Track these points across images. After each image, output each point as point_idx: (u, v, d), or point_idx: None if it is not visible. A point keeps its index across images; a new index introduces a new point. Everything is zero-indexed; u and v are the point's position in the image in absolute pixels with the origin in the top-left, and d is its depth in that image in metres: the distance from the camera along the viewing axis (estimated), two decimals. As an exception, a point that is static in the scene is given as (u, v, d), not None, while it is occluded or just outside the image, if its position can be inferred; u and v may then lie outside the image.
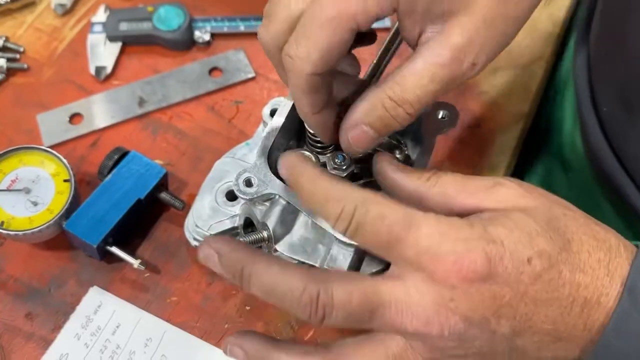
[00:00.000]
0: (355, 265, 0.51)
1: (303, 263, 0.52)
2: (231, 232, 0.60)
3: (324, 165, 0.54)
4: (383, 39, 0.54)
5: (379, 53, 0.54)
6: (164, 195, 0.65)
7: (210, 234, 0.60)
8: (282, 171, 0.47)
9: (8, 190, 0.62)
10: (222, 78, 0.75)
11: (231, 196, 0.60)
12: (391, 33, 0.53)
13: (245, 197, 0.53)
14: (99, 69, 0.74)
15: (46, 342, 0.61)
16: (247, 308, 0.62)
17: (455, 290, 0.41)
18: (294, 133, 0.56)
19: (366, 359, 0.44)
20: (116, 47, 0.75)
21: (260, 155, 0.54)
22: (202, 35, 0.76)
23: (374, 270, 0.50)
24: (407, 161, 0.55)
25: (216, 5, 0.79)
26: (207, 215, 0.60)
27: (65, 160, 0.63)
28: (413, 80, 0.43)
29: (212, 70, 0.75)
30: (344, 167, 0.53)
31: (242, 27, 0.77)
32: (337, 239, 0.50)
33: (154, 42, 0.76)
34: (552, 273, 0.41)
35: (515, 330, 0.42)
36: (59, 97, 0.73)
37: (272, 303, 0.43)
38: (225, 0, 0.80)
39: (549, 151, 0.79)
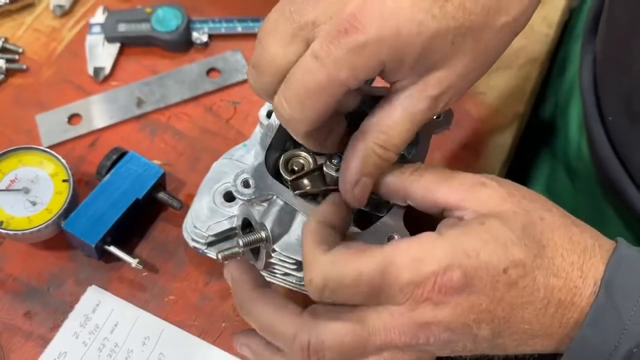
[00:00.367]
0: None
1: (300, 262, 0.53)
2: (229, 233, 0.60)
3: (321, 167, 0.54)
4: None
5: None
6: (161, 195, 0.66)
7: (209, 236, 0.60)
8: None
9: (7, 190, 0.63)
10: (220, 79, 0.76)
11: (229, 197, 0.61)
12: None
13: (243, 198, 0.53)
14: (97, 70, 0.75)
15: (45, 341, 0.61)
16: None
17: (437, 307, 0.43)
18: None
19: None
20: (114, 48, 0.76)
21: (258, 156, 0.55)
22: (199, 36, 0.77)
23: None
24: (402, 161, 0.56)
25: (214, 7, 0.80)
26: (205, 216, 0.60)
27: (64, 161, 0.64)
28: (397, 128, 0.45)
29: (210, 71, 0.76)
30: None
31: (239, 29, 0.78)
32: None
33: (152, 43, 0.76)
34: (527, 280, 0.44)
35: (494, 332, 0.45)
36: (57, 97, 0.73)
37: None
38: (223, 2, 0.80)
39: (554, 157, 0.79)
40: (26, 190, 0.63)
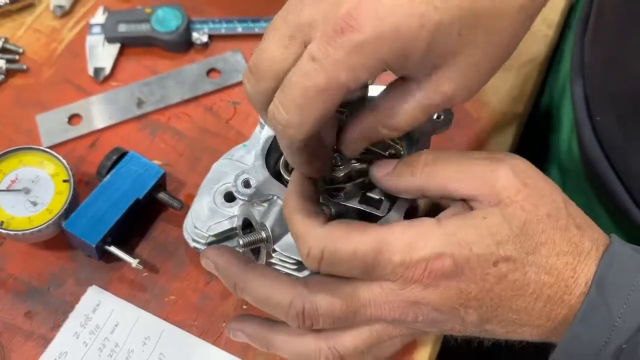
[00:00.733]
0: None
1: (300, 262, 0.53)
2: (230, 233, 0.60)
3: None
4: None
5: None
6: (162, 196, 0.66)
7: (209, 236, 0.60)
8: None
9: (8, 190, 0.63)
10: (220, 79, 0.76)
11: (229, 197, 0.61)
12: None
13: (243, 198, 0.53)
14: (97, 70, 0.75)
15: (45, 341, 0.61)
16: (245, 307, 0.63)
17: (426, 289, 0.45)
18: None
19: (354, 336, 0.49)
20: (115, 48, 0.76)
21: (258, 156, 0.55)
22: (199, 36, 0.77)
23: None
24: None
25: (214, 7, 0.80)
26: (205, 217, 0.60)
27: (64, 161, 0.64)
28: (407, 116, 0.45)
29: (210, 71, 0.76)
30: (341, 167, 0.53)
31: (239, 29, 0.78)
32: None
33: (152, 43, 0.77)
34: (517, 274, 0.45)
35: (482, 318, 0.46)
36: (58, 97, 0.73)
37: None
38: (223, 2, 0.80)
39: (547, 154, 0.80)
40: (27, 191, 0.63)
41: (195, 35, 0.77)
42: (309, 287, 0.48)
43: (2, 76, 0.74)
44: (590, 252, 0.46)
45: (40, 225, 0.61)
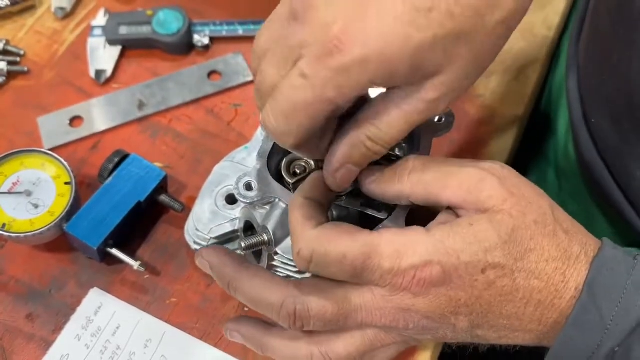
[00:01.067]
0: None
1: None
2: (231, 235, 0.60)
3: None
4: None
5: None
6: (163, 198, 0.66)
7: (211, 239, 0.60)
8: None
9: (9, 192, 0.63)
10: (221, 81, 0.76)
11: (231, 200, 0.61)
12: None
13: (245, 200, 0.53)
14: (99, 72, 0.75)
15: (47, 343, 0.61)
16: (246, 309, 0.63)
17: (416, 297, 0.46)
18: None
19: (346, 342, 0.49)
20: (116, 50, 0.76)
21: (260, 159, 0.55)
22: (201, 39, 0.77)
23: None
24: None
25: (215, 10, 0.80)
26: (207, 219, 0.60)
27: (66, 163, 0.64)
28: (391, 125, 0.45)
29: (211, 73, 0.76)
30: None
31: (240, 31, 0.78)
32: None
33: (154, 45, 0.77)
34: (506, 281, 0.45)
35: (473, 324, 0.47)
36: (59, 100, 0.73)
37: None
38: (224, 5, 0.80)
39: (544, 155, 0.80)
40: (28, 193, 0.63)
41: (196, 37, 0.77)
42: (302, 288, 0.48)
43: (3, 78, 0.74)
44: (580, 256, 0.46)
45: (42, 228, 0.61)
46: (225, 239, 0.61)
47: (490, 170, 0.47)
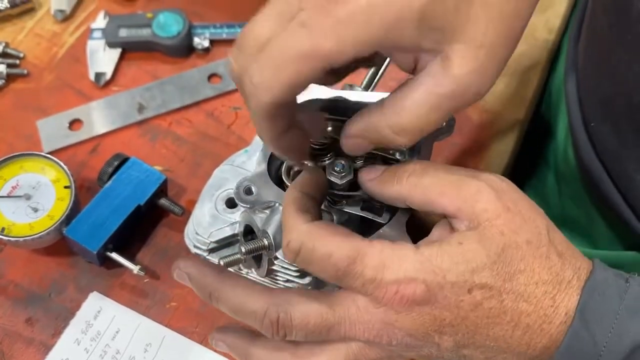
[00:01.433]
0: None
1: (302, 270, 0.53)
2: (231, 240, 0.60)
3: (323, 168, 0.54)
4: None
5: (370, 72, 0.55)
6: (163, 202, 0.66)
7: (211, 242, 0.60)
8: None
9: (9, 196, 0.63)
10: (221, 84, 0.76)
11: (231, 203, 0.61)
12: None
13: (245, 205, 0.53)
14: (98, 75, 0.75)
15: (46, 348, 0.61)
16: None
17: (399, 314, 0.45)
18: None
19: (330, 355, 0.48)
20: (116, 53, 0.76)
21: (260, 163, 0.55)
22: (201, 41, 0.77)
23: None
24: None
25: (215, 12, 0.80)
26: (207, 223, 0.60)
27: (65, 167, 0.64)
28: (413, 111, 0.42)
29: (211, 76, 0.76)
30: (343, 175, 0.53)
31: (240, 34, 0.78)
32: None
33: (154, 48, 0.76)
34: (493, 302, 0.44)
35: (459, 344, 0.45)
36: (58, 102, 0.73)
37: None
38: (224, 7, 0.80)
39: (544, 159, 0.80)
40: (28, 197, 0.63)
41: (196, 40, 0.77)
42: (286, 297, 0.47)
43: (3, 81, 0.74)
44: (572, 281, 0.45)
45: (41, 232, 0.61)
46: (225, 243, 0.61)
47: (488, 182, 0.46)
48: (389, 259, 0.44)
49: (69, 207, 0.62)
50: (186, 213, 0.65)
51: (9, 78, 0.74)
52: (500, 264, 0.44)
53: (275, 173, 0.56)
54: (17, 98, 0.74)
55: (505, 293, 0.44)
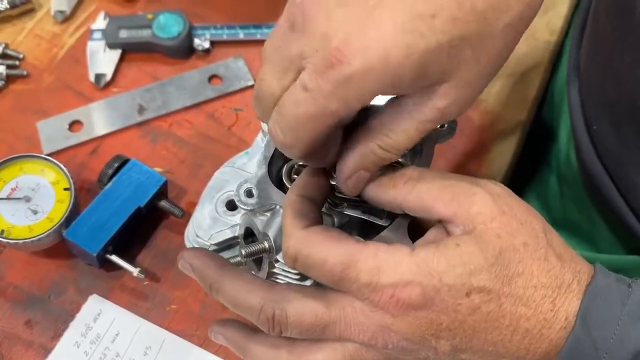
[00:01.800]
0: None
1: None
2: (232, 242, 0.60)
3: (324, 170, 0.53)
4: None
5: None
6: (163, 204, 0.65)
7: (211, 245, 0.60)
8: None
9: (8, 198, 0.62)
10: (222, 85, 0.75)
11: (231, 206, 0.61)
12: None
13: (246, 207, 0.53)
14: (98, 76, 0.74)
15: (46, 350, 0.61)
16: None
17: (395, 317, 0.44)
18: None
19: (326, 354, 0.48)
20: (116, 54, 0.76)
21: (261, 165, 0.54)
22: (201, 42, 0.76)
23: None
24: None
25: (215, 13, 0.79)
26: (207, 225, 0.60)
27: (65, 169, 0.63)
28: (402, 134, 0.45)
29: (212, 77, 0.76)
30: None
31: (241, 35, 0.78)
32: None
33: (154, 49, 0.76)
34: (491, 306, 0.44)
35: (456, 348, 0.45)
36: (58, 104, 0.73)
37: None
38: (225, 8, 0.80)
39: (546, 161, 0.79)
40: (27, 199, 0.63)
41: (196, 41, 0.76)
42: (283, 294, 0.48)
43: (2, 82, 0.73)
44: (572, 285, 0.44)
45: (41, 234, 0.61)
46: (225, 245, 0.61)
47: (483, 187, 0.46)
48: (384, 262, 0.44)
49: (69, 209, 0.62)
50: (186, 215, 0.65)
51: (9, 79, 0.74)
52: (498, 266, 0.44)
53: (276, 175, 0.55)
54: (16, 99, 0.73)
55: (504, 296, 0.43)
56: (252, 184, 0.53)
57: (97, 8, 0.79)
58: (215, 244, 0.60)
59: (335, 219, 0.54)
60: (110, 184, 0.64)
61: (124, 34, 0.76)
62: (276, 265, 0.54)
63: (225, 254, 0.61)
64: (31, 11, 0.78)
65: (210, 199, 0.61)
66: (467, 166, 0.73)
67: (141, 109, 0.73)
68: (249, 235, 0.58)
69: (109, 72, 0.75)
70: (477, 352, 0.45)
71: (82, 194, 0.67)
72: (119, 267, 0.63)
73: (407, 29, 0.40)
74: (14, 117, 0.72)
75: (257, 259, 0.57)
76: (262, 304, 0.47)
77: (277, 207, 0.53)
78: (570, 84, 0.70)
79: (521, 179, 0.83)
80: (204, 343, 0.62)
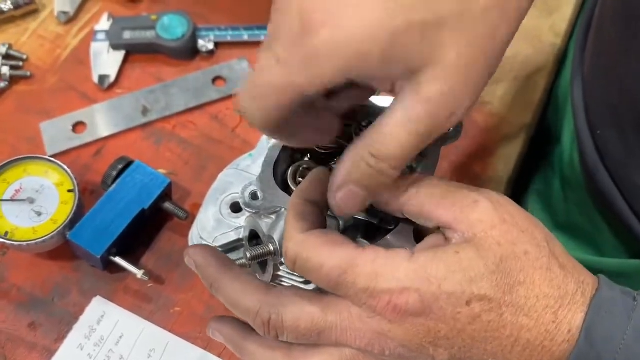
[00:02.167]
0: None
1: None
2: (236, 244, 0.60)
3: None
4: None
5: None
6: (167, 205, 0.65)
7: (216, 246, 0.59)
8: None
9: (12, 200, 0.62)
10: (226, 87, 0.75)
11: (236, 208, 0.60)
12: None
13: (251, 210, 0.53)
14: (102, 78, 0.74)
15: (49, 352, 0.61)
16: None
17: (392, 323, 0.44)
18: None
19: (322, 359, 0.48)
20: (119, 55, 0.75)
21: (266, 167, 0.54)
22: (205, 44, 0.76)
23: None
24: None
25: (220, 14, 0.79)
26: (211, 227, 0.60)
27: (69, 171, 0.63)
28: (391, 135, 0.42)
29: (216, 79, 0.75)
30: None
31: (245, 36, 0.77)
32: None
33: (158, 50, 0.76)
34: (492, 315, 0.42)
35: (454, 358, 0.44)
36: (62, 105, 0.73)
37: None
38: (229, 9, 0.80)
39: (550, 164, 0.79)
40: (31, 200, 0.62)
41: (201, 42, 0.76)
42: (280, 297, 0.47)
43: (6, 83, 0.73)
44: (575, 296, 0.43)
45: (45, 236, 0.60)
46: (230, 248, 0.61)
47: (485, 195, 0.45)
48: (382, 268, 0.43)
49: (73, 211, 0.62)
50: (190, 217, 0.65)
51: (12, 80, 0.74)
52: (499, 274, 0.42)
53: (281, 177, 0.55)
54: (20, 100, 0.73)
55: (505, 306, 0.42)
56: (257, 186, 0.53)
57: (100, 9, 0.79)
58: (220, 246, 0.59)
59: (341, 222, 0.53)
60: (114, 185, 0.64)
61: (127, 35, 0.76)
62: (281, 268, 0.54)
63: (230, 257, 0.60)
64: (35, 12, 0.78)
65: (214, 201, 0.61)
66: (471, 169, 0.73)
67: (145, 111, 0.73)
68: (254, 237, 0.57)
69: (112, 73, 0.75)
70: None
71: (86, 196, 0.67)
72: (123, 269, 0.62)
73: (377, 7, 0.39)
74: (17, 118, 0.72)
75: (262, 262, 0.56)
76: (258, 308, 0.47)
77: (282, 209, 0.53)
78: (574, 87, 0.70)
79: (525, 182, 0.83)
80: (208, 346, 0.62)
